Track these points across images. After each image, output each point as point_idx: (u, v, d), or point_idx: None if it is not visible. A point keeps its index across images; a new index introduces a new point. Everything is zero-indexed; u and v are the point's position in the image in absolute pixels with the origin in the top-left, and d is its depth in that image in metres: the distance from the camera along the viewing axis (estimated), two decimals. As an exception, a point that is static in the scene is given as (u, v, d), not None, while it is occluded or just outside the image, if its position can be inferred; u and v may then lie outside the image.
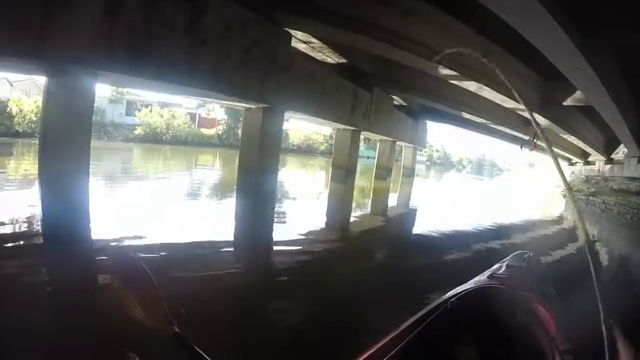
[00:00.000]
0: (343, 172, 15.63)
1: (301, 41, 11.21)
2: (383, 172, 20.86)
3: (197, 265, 5.40)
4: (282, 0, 8.71)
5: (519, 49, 10.22)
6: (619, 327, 1.74)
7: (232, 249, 7.02)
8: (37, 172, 7.46)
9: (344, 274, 5.62)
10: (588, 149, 22.18)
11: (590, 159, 26.29)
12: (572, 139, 19.72)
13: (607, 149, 22.63)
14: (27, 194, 8.65)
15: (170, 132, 34.44)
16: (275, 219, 9.59)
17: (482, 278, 3.09)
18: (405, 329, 2.37)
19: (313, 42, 11.42)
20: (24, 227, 6.28)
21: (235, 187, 11.01)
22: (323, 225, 9.78)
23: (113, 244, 5.98)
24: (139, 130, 32.97)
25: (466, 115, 18.43)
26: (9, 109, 24.51)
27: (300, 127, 45.32)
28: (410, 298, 4.46)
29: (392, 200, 16.76)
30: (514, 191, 32.23)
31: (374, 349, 2.11)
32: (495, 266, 3.44)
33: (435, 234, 9.71)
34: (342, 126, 15.14)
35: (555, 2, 5.80)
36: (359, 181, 18.57)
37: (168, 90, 10.91)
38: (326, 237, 8.38)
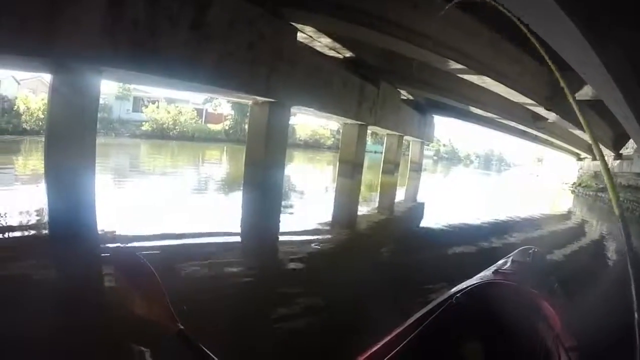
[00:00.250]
0: (350, 167, 15.62)
1: (307, 35, 11.14)
2: (390, 167, 20.85)
3: (204, 267, 5.37)
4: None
5: (528, 42, 10.12)
6: None
7: (238, 243, 6.98)
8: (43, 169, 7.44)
9: (350, 270, 5.59)
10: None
11: (599, 154, 26.10)
12: (580, 133, 19.55)
13: (616, 145, 22.39)
14: (34, 191, 8.64)
15: (177, 128, 34.40)
16: (282, 214, 9.53)
17: (487, 273, 3.07)
18: (411, 325, 2.35)
19: (319, 36, 11.34)
20: (30, 224, 6.25)
21: (242, 182, 10.99)
22: (330, 220, 9.72)
23: (121, 239, 5.98)
24: (146, 127, 32.93)
25: (474, 110, 18.30)
26: (16, 107, 24.53)
27: (308, 122, 45.27)
28: (414, 293, 4.48)
29: (400, 194, 16.66)
30: (521, 186, 31.98)
31: (379, 346, 2.08)
32: (500, 262, 3.41)
33: (443, 229, 9.65)
34: (349, 121, 15.11)
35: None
36: (366, 176, 18.50)
37: (173, 86, 10.89)
38: (333, 232, 8.33)
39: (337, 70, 12.66)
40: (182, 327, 1.59)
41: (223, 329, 3.39)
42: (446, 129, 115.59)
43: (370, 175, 20.23)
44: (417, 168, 25.99)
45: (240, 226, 8.18)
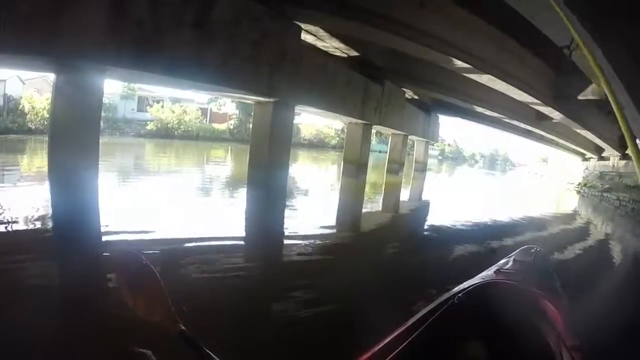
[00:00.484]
0: (354, 167, 15.58)
1: (311, 34, 11.10)
2: (395, 167, 20.74)
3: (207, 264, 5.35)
4: (291, -8, 8.63)
5: (533, 43, 10.07)
6: None
7: (241, 243, 6.95)
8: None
9: (353, 270, 5.55)
10: (602, 144, 21.86)
11: (604, 154, 25.89)
12: (586, 133, 19.44)
13: (622, 144, 22.22)
14: (38, 190, 8.66)
15: (181, 127, 34.48)
16: (286, 214, 9.49)
17: (488, 273, 3.09)
18: (412, 325, 2.34)
19: (323, 35, 11.31)
20: (34, 222, 6.23)
21: (246, 181, 10.98)
22: (334, 220, 9.70)
23: (123, 237, 5.97)
24: (150, 126, 33.05)
25: (479, 109, 18.21)
26: (21, 106, 24.71)
27: (312, 121, 45.22)
28: (416, 294, 4.42)
29: (404, 194, 16.62)
30: (526, 186, 31.87)
31: (380, 345, 2.08)
32: (502, 261, 3.43)
33: (447, 229, 9.62)
34: (353, 120, 15.06)
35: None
36: (371, 175, 18.44)
37: (177, 85, 10.90)
38: (337, 232, 8.29)
39: (341, 69, 12.60)
40: (183, 327, 1.59)
41: (226, 324, 3.42)
42: (451, 128, 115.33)
43: (374, 175, 20.20)
44: (421, 168, 25.91)
45: (244, 226, 8.17)
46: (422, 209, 13.57)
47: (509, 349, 2.40)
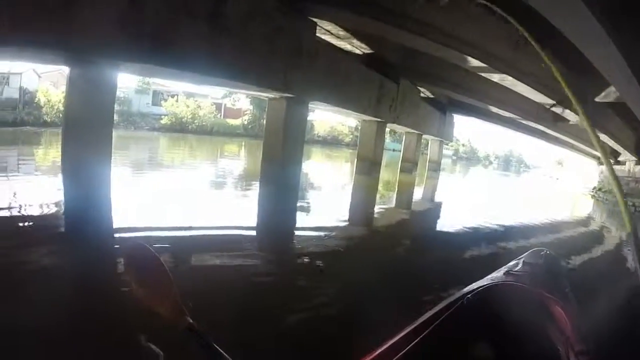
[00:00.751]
0: (368, 165, 15.50)
1: (326, 31, 11.05)
2: (409, 166, 20.65)
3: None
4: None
5: (549, 43, 9.92)
6: None
7: (253, 238, 6.97)
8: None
9: (365, 269, 5.50)
10: (619, 148, 21.54)
11: (620, 158, 25.47)
12: (602, 136, 19.18)
13: (639, 149, 21.96)
14: (53, 182, 8.71)
15: (196, 122, 34.66)
16: (299, 210, 9.47)
17: (498, 275, 3.04)
18: (420, 325, 2.31)
19: (338, 32, 11.25)
20: (46, 214, 6.27)
21: (259, 177, 10.97)
22: (346, 218, 9.63)
23: (135, 230, 5.99)
24: (165, 120, 33.29)
25: (494, 109, 18.03)
26: (37, 99, 25.02)
27: (326, 118, 45.25)
28: (425, 294, 4.41)
29: (418, 194, 16.52)
30: (540, 189, 31.57)
31: (387, 345, 2.04)
32: (512, 263, 3.38)
33: (460, 230, 9.51)
34: (367, 118, 14.99)
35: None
36: (384, 174, 18.35)
37: (190, 80, 10.90)
38: (349, 230, 8.23)
39: (356, 66, 12.53)
40: (191, 321, 1.57)
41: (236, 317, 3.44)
42: (466, 128, 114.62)
43: (388, 174, 20.12)
44: (435, 167, 25.69)
45: (256, 221, 8.18)
46: (434, 209, 13.46)
47: (516, 352, 2.39)
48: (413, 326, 2.28)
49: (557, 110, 14.19)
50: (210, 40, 7.32)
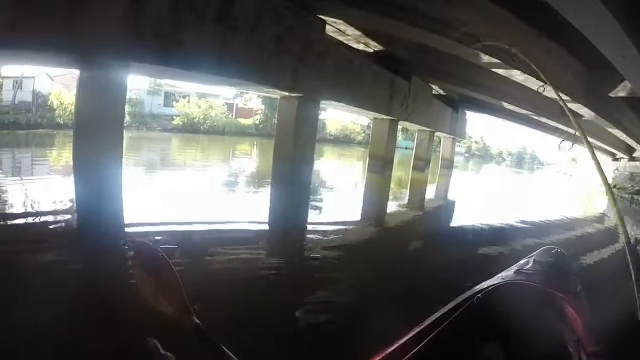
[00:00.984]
0: (380, 163, 15.44)
1: (336, 29, 10.99)
2: (421, 164, 20.56)
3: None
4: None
5: (563, 37, 9.79)
6: None
7: (263, 235, 6.97)
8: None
9: (375, 269, 5.47)
10: (634, 143, 21.26)
11: (635, 154, 25.12)
12: (617, 132, 18.92)
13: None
14: (66, 183, 8.78)
15: (207, 122, 34.73)
16: (310, 209, 9.45)
17: (508, 273, 3.04)
18: (430, 324, 2.30)
19: (348, 30, 11.20)
20: (58, 215, 6.31)
21: (271, 176, 10.97)
22: (358, 216, 9.59)
23: (145, 229, 6.04)
24: (177, 121, 33.40)
25: (507, 106, 17.86)
26: (50, 102, 25.42)
27: (338, 117, 45.27)
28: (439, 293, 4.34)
29: (430, 192, 16.45)
30: (554, 186, 31.26)
31: (397, 345, 2.03)
32: (522, 261, 3.36)
33: (473, 229, 9.45)
34: (379, 116, 14.90)
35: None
36: (396, 172, 18.32)
37: (199, 80, 10.93)
38: (361, 228, 8.19)
39: (367, 64, 12.44)
40: (197, 321, 1.58)
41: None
42: (478, 125, 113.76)
43: (400, 172, 20.07)
44: (448, 165, 25.61)
45: (268, 220, 8.19)
46: (447, 207, 13.39)
47: (527, 353, 2.35)
48: (423, 325, 2.27)
49: (572, 106, 14.03)
50: (219, 40, 7.29)
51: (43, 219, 6.01)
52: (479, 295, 2.60)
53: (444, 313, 2.44)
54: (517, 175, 41.56)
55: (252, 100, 40.95)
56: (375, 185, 14.41)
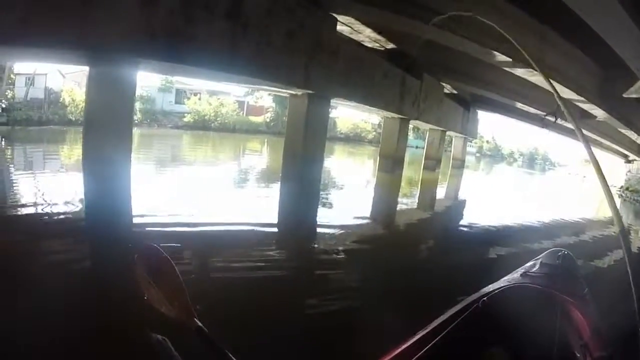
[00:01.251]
0: (390, 162, 15.39)
1: (348, 26, 10.94)
2: (432, 163, 20.48)
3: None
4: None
5: (577, 36, 9.69)
6: None
7: (273, 233, 6.98)
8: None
9: (386, 268, 5.42)
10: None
11: (649, 157, 24.94)
12: (630, 134, 18.72)
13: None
14: (76, 178, 8.83)
15: (218, 119, 34.86)
16: (320, 207, 9.42)
17: (514, 276, 2.99)
18: (437, 327, 2.29)
19: (359, 27, 11.14)
20: (69, 210, 6.33)
21: (281, 174, 10.95)
22: (368, 215, 9.54)
23: (153, 227, 6.02)
24: (188, 118, 33.53)
25: (520, 105, 17.74)
26: (62, 99, 25.65)
27: (349, 115, 45.14)
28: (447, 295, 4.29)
29: (441, 191, 16.38)
30: (565, 188, 30.98)
31: (403, 348, 2.03)
32: (529, 264, 3.28)
33: (484, 229, 9.36)
34: (390, 114, 14.83)
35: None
36: (407, 171, 18.29)
37: (210, 77, 10.93)
38: (370, 227, 8.17)
39: (378, 62, 12.38)
40: (199, 324, 1.58)
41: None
42: (490, 125, 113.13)
43: (411, 171, 20.00)
44: (459, 165, 25.46)
45: (277, 218, 8.19)
46: (458, 207, 13.30)
47: (532, 356, 2.38)
48: (429, 328, 2.26)
49: (585, 107, 13.90)
50: (229, 37, 7.26)
51: (52, 211, 6.05)
52: (485, 298, 2.58)
53: (449, 316, 2.42)
54: (529, 176, 41.26)
55: (263, 98, 41.07)
56: (386, 184, 14.36)
